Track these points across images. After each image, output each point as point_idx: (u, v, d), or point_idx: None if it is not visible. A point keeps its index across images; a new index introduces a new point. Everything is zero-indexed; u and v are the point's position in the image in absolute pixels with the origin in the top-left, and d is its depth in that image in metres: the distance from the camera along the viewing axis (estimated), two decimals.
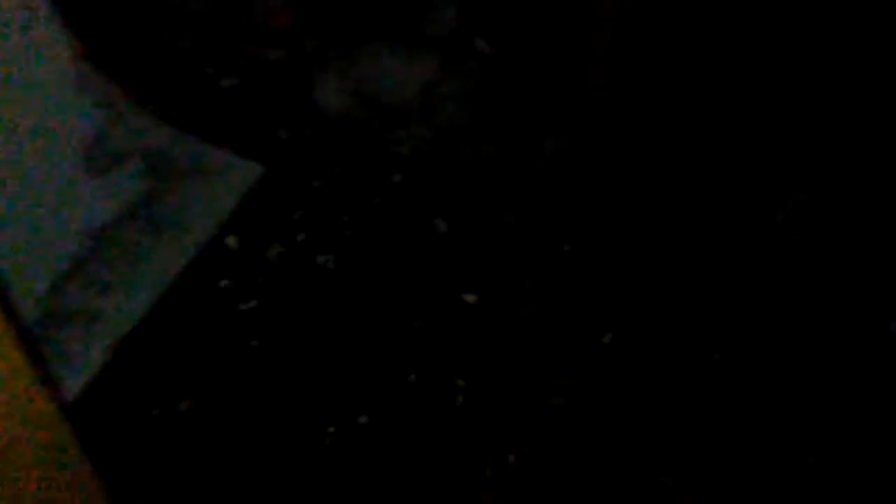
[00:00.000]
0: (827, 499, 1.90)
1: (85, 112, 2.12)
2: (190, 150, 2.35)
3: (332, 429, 1.96)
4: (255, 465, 1.92)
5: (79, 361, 2.02)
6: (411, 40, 2.82)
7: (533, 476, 1.92)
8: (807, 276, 2.12)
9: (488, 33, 2.80)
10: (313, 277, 2.21)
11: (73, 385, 1.98)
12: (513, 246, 2.34)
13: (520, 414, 2.01)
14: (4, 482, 0.95)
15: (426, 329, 2.15)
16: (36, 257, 2.07)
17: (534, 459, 1.94)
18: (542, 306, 2.21)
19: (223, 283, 2.20)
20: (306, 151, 2.52)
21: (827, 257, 2.14)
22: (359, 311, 2.15)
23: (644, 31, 2.49)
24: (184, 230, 2.24)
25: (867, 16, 2.30)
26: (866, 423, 1.99)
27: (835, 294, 2.09)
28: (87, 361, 2.02)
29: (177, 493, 1.88)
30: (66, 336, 2.06)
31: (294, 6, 2.83)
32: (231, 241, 2.30)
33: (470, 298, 2.23)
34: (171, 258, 2.22)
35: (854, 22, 2.33)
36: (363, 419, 1.99)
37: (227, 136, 2.52)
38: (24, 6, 1.87)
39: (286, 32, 2.83)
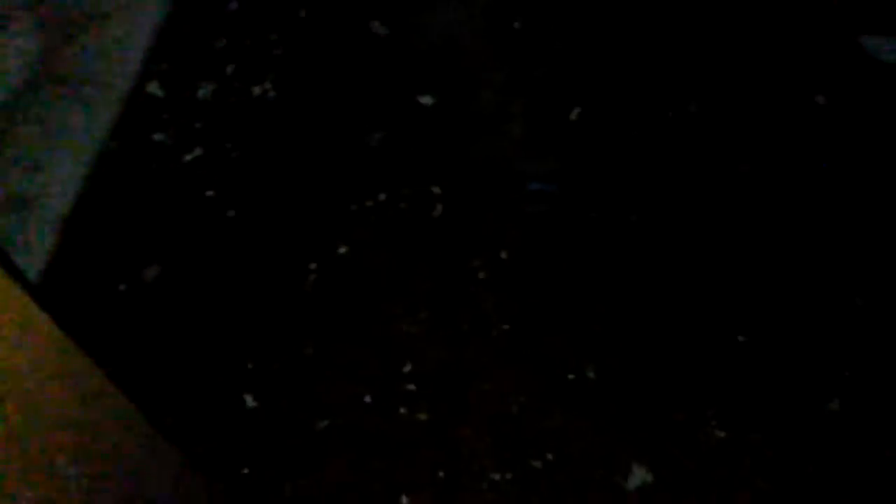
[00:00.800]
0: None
1: None
2: None
3: (313, 265, 1.85)
4: (239, 313, 1.82)
5: (27, 249, 1.86)
6: None
7: (526, 274, 1.85)
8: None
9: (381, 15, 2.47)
10: (254, 112, 2.02)
11: (29, 272, 1.83)
12: (464, 42, 2.16)
13: (500, 215, 1.92)
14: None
15: (388, 140, 2.01)
16: None
17: (524, 256, 1.86)
18: (501, 99, 2.06)
19: (157, 136, 2.01)
20: None
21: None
22: (312, 139, 1.99)
23: None
24: (98, 85, 2.02)
25: None
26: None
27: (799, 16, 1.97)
28: (34, 247, 1.86)
29: (166, 354, 1.78)
30: (7, 225, 1.89)
31: None
32: (153, 87, 2.09)
33: (426, 100, 2.07)
34: (92, 120, 2.01)
35: None
36: (343, 249, 1.88)
37: None
38: None
39: None
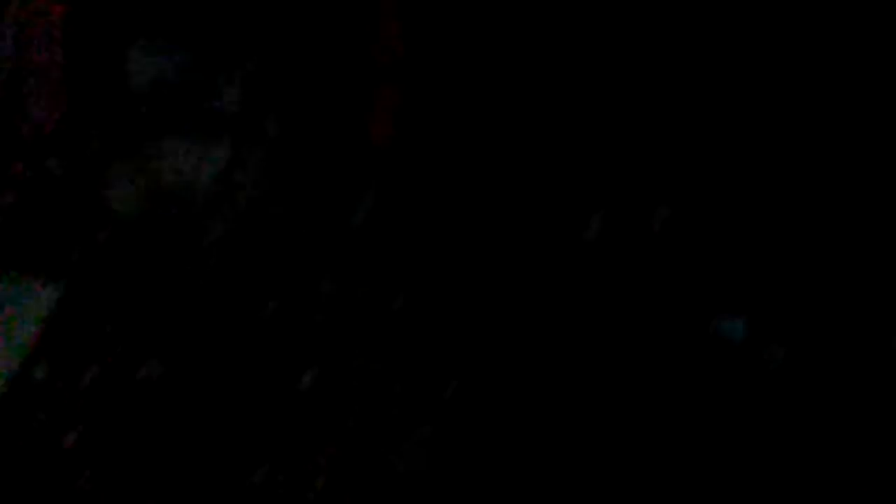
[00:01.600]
0: None
1: None
2: None
3: None
4: None
5: None
6: (199, 127, 2.74)
7: None
8: (620, 290, 2.19)
9: (278, 111, 2.76)
10: (138, 393, 2.08)
11: None
12: (337, 313, 2.29)
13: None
14: None
15: (266, 416, 2.07)
16: None
17: None
18: (382, 369, 2.17)
19: (40, 416, 2.03)
20: (104, 262, 2.38)
21: (637, 271, 2.22)
22: (195, 426, 2.04)
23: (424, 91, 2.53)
24: None
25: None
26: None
27: (647, 304, 2.17)
28: None
29: None
30: None
31: (70, 111, 2.70)
32: (39, 371, 2.13)
33: (307, 379, 2.16)
34: None
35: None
36: None
37: (13, 259, 2.35)
38: None
39: (63, 139, 2.68)
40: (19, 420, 2.03)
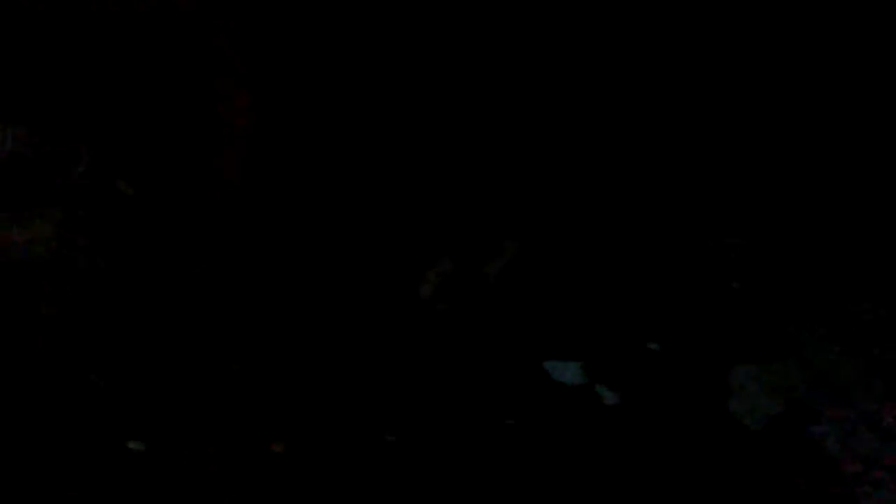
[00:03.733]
0: None
1: None
2: None
3: None
4: None
5: None
6: (46, 195, 2.71)
7: None
8: (458, 341, 2.19)
9: (130, 175, 2.76)
10: None
11: None
12: (180, 378, 2.26)
13: None
14: None
15: (93, 485, 2.01)
16: None
17: None
18: (214, 431, 2.13)
19: None
20: None
21: (474, 322, 2.23)
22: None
23: (269, 150, 2.55)
24: None
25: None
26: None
27: (485, 354, 2.17)
28: None
29: None
30: None
31: None
32: None
33: (136, 446, 2.11)
34: None
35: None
36: None
37: None
38: None
39: None
40: None
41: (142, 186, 2.76)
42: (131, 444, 2.12)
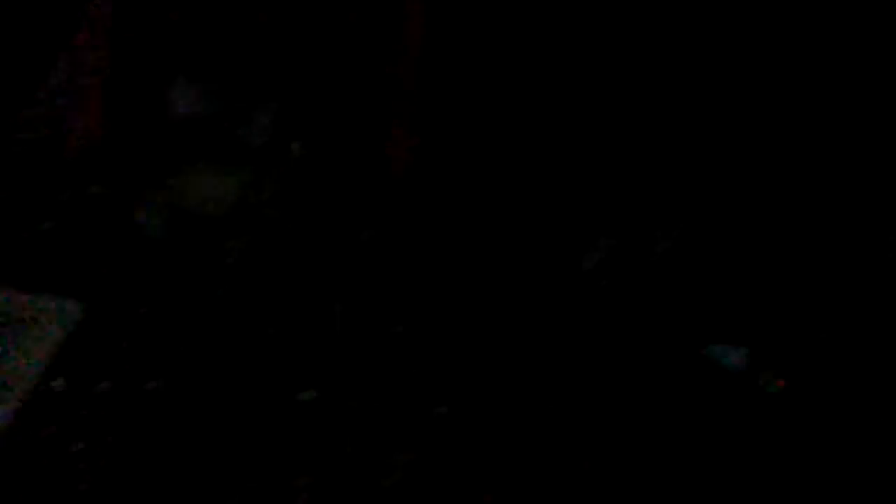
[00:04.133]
0: None
1: None
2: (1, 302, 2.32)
3: None
4: None
5: None
6: (229, 154, 2.86)
7: None
8: (618, 319, 2.19)
9: (303, 137, 2.87)
10: (142, 405, 2.18)
11: None
12: (346, 335, 2.36)
13: None
14: None
15: (264, 428, 2.14)
16: None
17: None
18: (378, 390, 2.22)
19: (50, 429, 2.15)
20: (130, 280, 2.50)
21: (636, 300, 2.22)
22: (190, 437, 2.13)
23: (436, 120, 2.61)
24: (5, 386, 2.19)
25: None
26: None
27: (645, 333, 2.16)
28: None
29: None
30: None
31: (109, 137, 2.86)
32: (58, 383, 2.25)
33: (307, 396, 2.23)
34: None
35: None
36: None
37: (47, 279, 2.49)
38: None
39: (102, 165, 2.84)
40: (36, 430, 2.16)
41: (312, 149, 2.86)
42: (303, 395, 2.23)
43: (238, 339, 2.36)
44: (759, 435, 2.08)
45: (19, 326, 2.32)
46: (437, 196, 2.56)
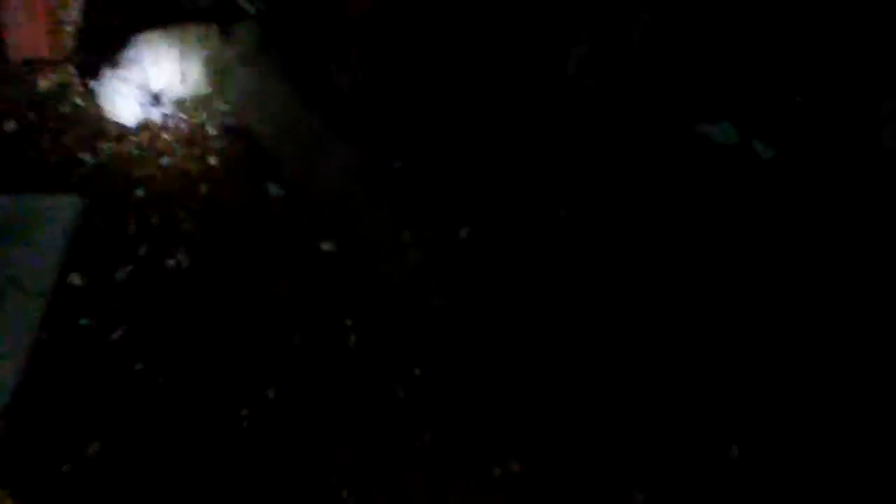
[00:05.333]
0: None
1: None
2: None
3: (245, 411, 1.99)
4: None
5: None
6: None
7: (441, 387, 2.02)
8: (610, 114, 2.26)
9: None
10: (169, 282, 2.20)
11: None
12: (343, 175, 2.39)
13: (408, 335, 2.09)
14: None
15: (296, 290, 2.19)
16: None
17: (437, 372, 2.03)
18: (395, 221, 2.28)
19: (83, 321, 2.15)
20: (119, 168, 2.47)
21: (624, 93, 2.29)
22: (223, 308, 2.15)
23: None
24: (22, 289, 2.17)
25: None
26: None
27: (637, 121, 2.24)
28: None
29: None
30: None
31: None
32: (75, 278, 2.24)
33: (327, 246, 2.28)
34: (22, 319, 2.15)
35: None
36: (271, 394, 2.03)
37: (29, 179, 2.43)
38: None
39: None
40: (66, 326, 2.16)
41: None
42: (324, 245, 2.27)
43: (244, 197, 2.37)
44: (754, 198, 2.21)
45: (17, 231, 2.27)
46: (404, 31, 2.55)
